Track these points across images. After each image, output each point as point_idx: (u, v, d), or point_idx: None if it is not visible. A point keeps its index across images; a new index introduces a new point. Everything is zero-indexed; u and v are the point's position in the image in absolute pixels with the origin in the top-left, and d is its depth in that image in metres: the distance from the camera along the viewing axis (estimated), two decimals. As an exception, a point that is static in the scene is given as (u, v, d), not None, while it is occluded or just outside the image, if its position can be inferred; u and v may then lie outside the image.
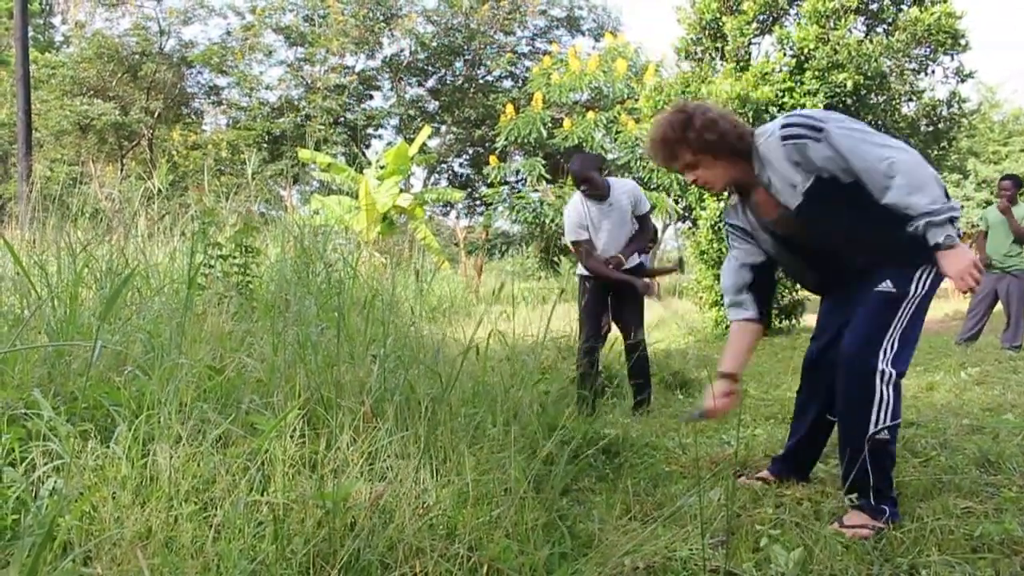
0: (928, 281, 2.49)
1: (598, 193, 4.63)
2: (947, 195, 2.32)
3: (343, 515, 1.86)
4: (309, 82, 27.11)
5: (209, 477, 1.93)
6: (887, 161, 2.30)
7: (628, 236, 4.75)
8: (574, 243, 4.77)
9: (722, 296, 11.04)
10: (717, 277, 10.11)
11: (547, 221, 14.43)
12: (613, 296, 4.81)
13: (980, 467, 3.03)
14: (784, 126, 2.47)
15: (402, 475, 2.06)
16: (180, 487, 1.83)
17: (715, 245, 10.30)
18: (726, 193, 2.80)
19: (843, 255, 2.59)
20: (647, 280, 4.66)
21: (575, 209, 4.75)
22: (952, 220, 2.30)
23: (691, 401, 5.14)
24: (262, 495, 1.90)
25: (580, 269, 4.93)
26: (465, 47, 27.93)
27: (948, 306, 15.16)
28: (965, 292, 2.43)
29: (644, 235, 4.78)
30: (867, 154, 2.32)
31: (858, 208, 2.42)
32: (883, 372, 2.42)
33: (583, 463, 3.22)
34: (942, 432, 3.67)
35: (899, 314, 2.46)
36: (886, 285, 2.46)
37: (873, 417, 2.42)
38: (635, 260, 4.86)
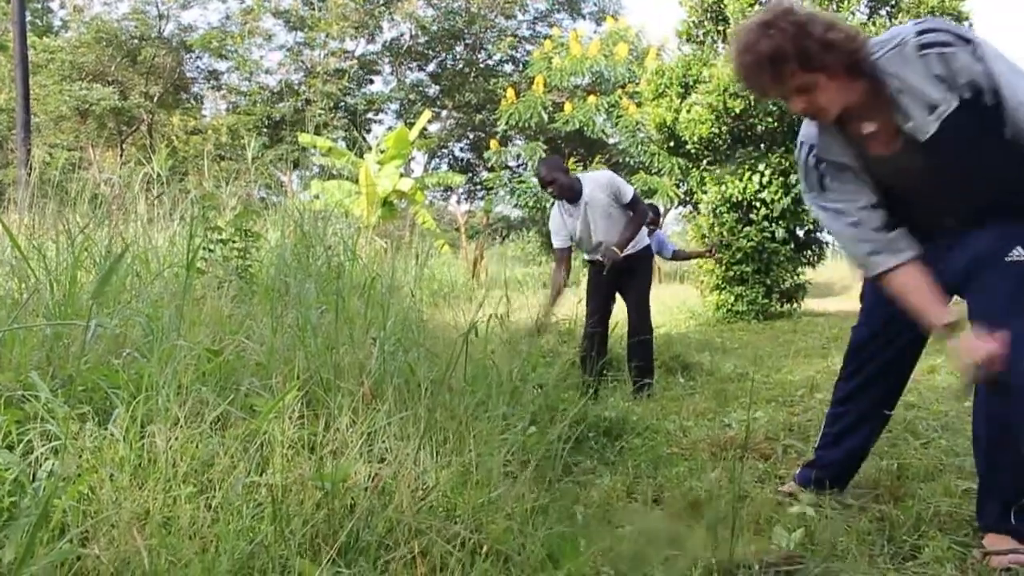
0: None
1: (568, 194, 4.65)
2: None
3: (342, 496, 1.85)
4: (309, 66, 27.03)
5: (207, 459, 1.92)
6: None
7: (615, 225, 4.70)
8: (554, 250, 4.95)
9: (722, 280, 10.67)
10: (719, 261, 10.10)
11: (548, 206, 14.40)
12: (621, 283, 4.82)
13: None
14: (922, 32, 1.99)
15: (401, 456, 2.06)
16: (178, 468, 1.82)
17: (716, 229, 10.27)
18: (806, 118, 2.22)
19: (961, 204, 2.15)
20: (613, 249, 4.59)
21: (554, 216, 4.83)
22: None
23: (692, 385, 5.13)
24: (261, 476, 1.89)
25: (587, 254, 4.94)
26: (466, 31, 27.82)
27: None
28: None
29: (635, 221, 4.72)
30: (1014, 79, 1.94)
31: (997, 148, 2.01)
32: None
33: (582, 444, 3.22)
34: (943, 414, 3.67)
35: None
36: (1018, 253, 2.05)
37: None
38: (642, 243, 4.83)
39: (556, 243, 4.85)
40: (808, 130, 2.24)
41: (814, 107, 2.07)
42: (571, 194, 4.66)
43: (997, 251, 2.08)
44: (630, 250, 4.70)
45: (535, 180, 14.60)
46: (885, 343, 2.40)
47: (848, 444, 2.53)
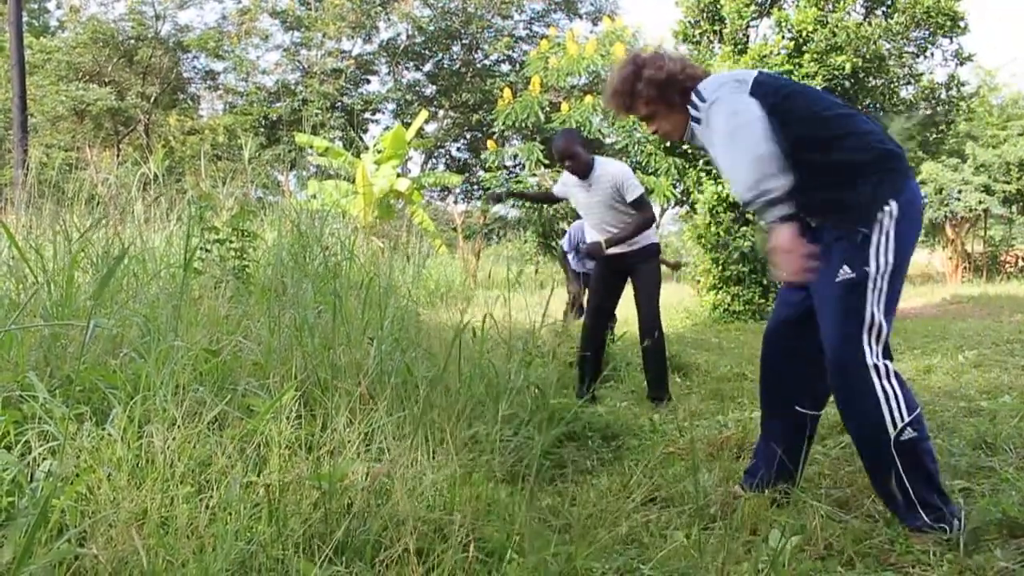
0: (890, 251, 2.20)
1: (581, 170, 4.54)
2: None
3: (339, 496, 1.86)
4: (306, 66, 27.01)
5: (205, 458, 1.92)
6: (738, 147, 2.16)
7: (615, 220, 4.57)
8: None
9: (719, 280, 10.73)
10: (715, 261, 10.12)
11: (545, 205, 14.39)
12: (631, 276, 4.69)
13: (977, 449, 3.03)
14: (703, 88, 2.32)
15: (398, 456, 2.06)
16: (176, 468, 1.82)
17: (712, 229, 10.29)
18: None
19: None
20: (599, 243, 4.54)
21: (565, 177, 4.75)
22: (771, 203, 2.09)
23: (688, 385, 5.14)
24: (258, 476, 1.90)
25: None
26: (462, 31, 27.82)
27: (946, 290, 15.17)
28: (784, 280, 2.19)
29: (635, 223, 4.60)
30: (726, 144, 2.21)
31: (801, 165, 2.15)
32: (875, 367, 2.18)
33: (579, 444, 3.23)
34: (939, 414, 3.68)
35: (868, 299, 2.19)
36: (844, 272, 2.20)
37: (888, 419, 2.15)
38: (645, 241, 4.64)
39: (554, 189, 4.95)
40: None
41: (660, 132, 2.56)
42: (585, 171, 4.55)
43: (829, 271, 2.22)
44: (627, 248, 4.58)
45: (532, 180, 14.64)
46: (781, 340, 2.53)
47: (766, 444, 2.58)
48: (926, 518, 2.16)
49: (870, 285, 2.19)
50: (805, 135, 2.24)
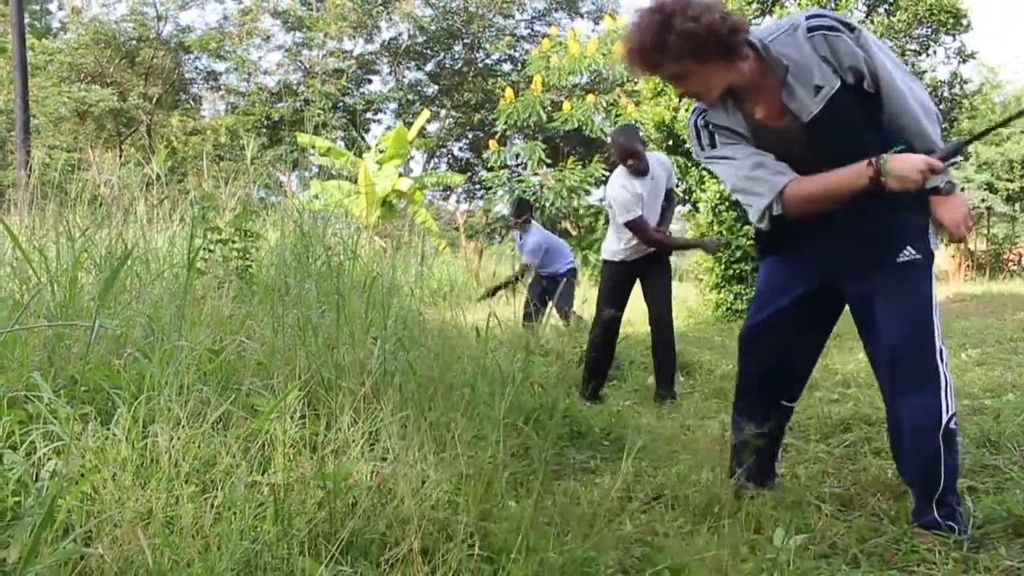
0: (935, 237, 2.20)
1: (644, 168, 4.43)
2: None
3: (344, 495, 1.86)
4: (307, 67, 27.02)
5: (209, 458, 1.92)
6: (913, 83, 2.12)
7: (658, 210, 4.54)
8: (630, 222, 4.42)
9: (722, 279, 10.69)
10: (718, 259, 10.10)
11: (547, 204, 14.39)
12: (642, 280, 4.66)
13: (981, 447, 3.03)
14: (811, 17, 2.11)
15: (402, 455, 2.06)
16: (180, 468, 1.82)
17: (715, 227, 10.27)
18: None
19: None
20: (716, 239, 4.60)
21: (624, 186, 4.45)
22: (955, 163, 2.12)
23: (692, 384, 5.14)
24: (262, 476, 1.90)
25: (606, 253, 4.70)
26: (464, 30, 27.80)
27: (949, 288, 15.14)
28: (958, 242, 2.21)
29: (672, 209, 4.65)
30: (895, 70, 2.10)
31: (874, 131, 2.14)
32: (941, 351, 2.17)
33: (583, 442, 3.23)
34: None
35: (932, 281, 2.18)
36: (908, 253, 2.16)
37: (944, 405, 2.15)
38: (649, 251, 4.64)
39: (634, 214, 4.40)
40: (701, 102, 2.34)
41: (691, 92, 2.20)
42: (644, 167, 4.43)
43: (888, 251, 2.18)
44: (643, 252, 4.56)
45: (534, 179, 14.62)
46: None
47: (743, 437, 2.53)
48: (938, 515, 2.16)
49: (932, 268, 2.19)
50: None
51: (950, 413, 2.16)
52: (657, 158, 4.57)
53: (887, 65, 2.10)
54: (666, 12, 2.06)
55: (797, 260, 2.38)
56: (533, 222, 7.33)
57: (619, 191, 4.45)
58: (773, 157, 2.22)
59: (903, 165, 2.01)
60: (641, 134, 14.08)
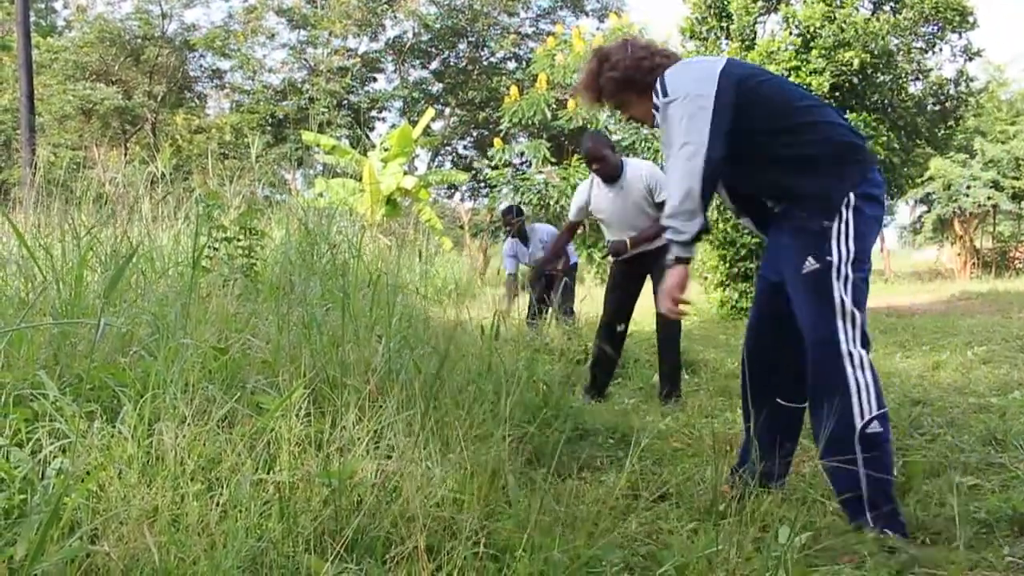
0: (850, 240, 2.25)
1: (611, 173, 4.43)
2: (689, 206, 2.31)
3: (349, 493, 1.86)
4: (312, 65, 27.04)
5: (215, 456, 1.93)
6: (671, 166, 2.36)
7: (644, 223, 4.45)
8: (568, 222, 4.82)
9: (726, 277, 10.69)
10: (723, 258, 10.10)
11: (552, 202, 14.37)
12: (652, 274, 4.51)
13: (987, 445, 3.02)
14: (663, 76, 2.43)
15: (407, 453, 2.06)
16: (186, 466, 1.83)
17: (720, 226, 10.26)
18: None
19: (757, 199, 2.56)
20: (624, 240, 4.51)
21: (581, 190, 4.64)
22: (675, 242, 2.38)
23: (696, 382, 5.14)
24: (268, 474, 1.90)
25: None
26: (468, 28, 27.80)
27: (955, 286, 15.12)
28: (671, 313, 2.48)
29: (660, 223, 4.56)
30: (673, 148, 2.34)
31: (765, 135, 2.37)
32: (850, 355, 2.21)
33: (588, 441, 3.23)
34: (949, 411, 3.66)
35: (836, 286, 2.23)
36: (809, 264, 2.27)
37: (856, 409, 2.17)
38: (658, 244, 4.60)
39: (571, 215, 4.80)
40: None
41: (633, 117, 2.67)
42: (614, 174, 4.45)
43: (794, 262, 2.32)
44: (651, 245, 4.44)
45: (539, 177, 14.62)
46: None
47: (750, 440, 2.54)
48: (870, 518, 2.16)
49: (834, 274, 2.24)
50: (770, 120, 2.35)
51: (868, 417, 2.17)
52: (638, 168, 4.49)
53: (670, 150, 2.35)
54: (599, 60, 2.63)
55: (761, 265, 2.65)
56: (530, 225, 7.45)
57: (579, 190, 4.70)
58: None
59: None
60: (645, 131, 14.02)
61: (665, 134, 2.36)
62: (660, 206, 4.42)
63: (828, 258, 2.25)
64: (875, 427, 2.18)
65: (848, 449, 2.18)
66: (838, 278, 2.24)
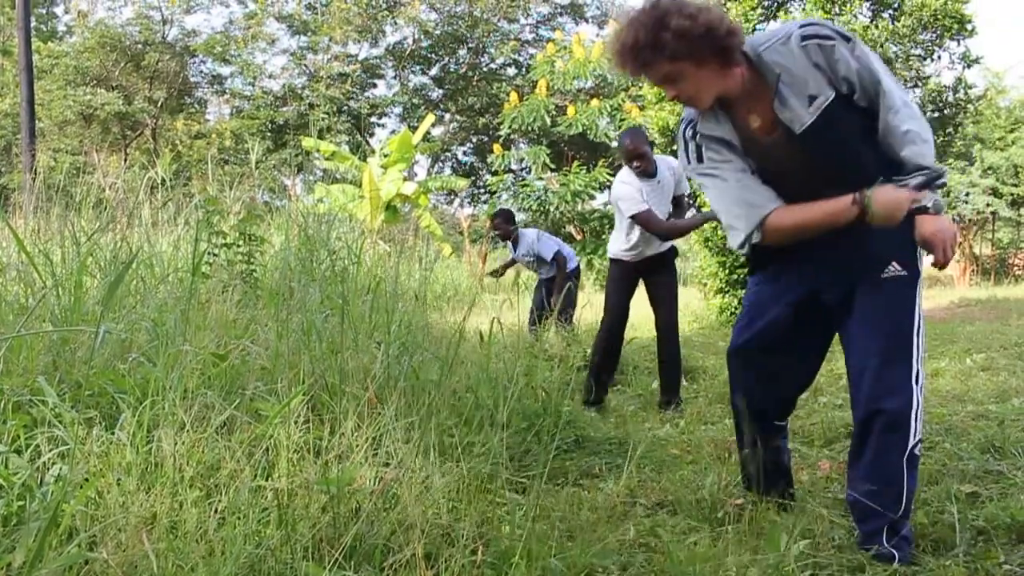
0: (921, 257, 2.12)
1: (650, 170, 4.36)
2: None
3: (347, 500, 1.86)
4: (312, 71, 27.07)
5: (214, 463, 1.93)
6: (906, 98, 2.03)
7: (667, 216, 4.45)
8: (638, 215, 4.30)
9: (726, 284, 10.59)
10: (722, 264, 10.10)
11: (552, 209, 14.40)
12: (647, 283, 4.61)
13: (985, 453, 3.02)
14: (805, 26, 2.04)
15: (406, 460, 2.07)
16: (185, 473, 1.83)
17: (719, 232, 10.27)
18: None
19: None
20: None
21: (628, 183, 4.37)
22: (942, 186, 2.05)
23: (695, 388, 5.14)
24: (266, 480, 1.90)
25: (613, 251, 4.63)
26: (468, 35, 27.83)
27: (953, 293, 15.12)
28: (941, 268, 2.04)
29: (682, 216, 4.56)
30: (891, 82, 2.03)
31: (867, 145, 2.08)
32: (918, 373, 2.08)
33: (586, 447, 3.23)
34: (948, 418, 3.66)
35: (917, 300, 2.10)
36: (894, 268, 2.09)
37: (913, 427, 2.08)
38: (667, 245, 4.61)
39: (642, 207, 4.29)
40: (691, 111, 2.23)
41: (684, 95, 2.07)
42: (652, 170, 4.36)
43: (873, 266, 2.12)
44: (660, 248, 4.51)
45: (539, 183, 14.63)
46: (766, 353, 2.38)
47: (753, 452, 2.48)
48: (886, 542, 2.09)
49: (918, 286, 2.11)
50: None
51: (917, 438, 2.10)
52: (667, 163, 4.47)
53: (885, 78, 2.03)
54: (662, 9, 1.97)
55: (787, 272, 2.31)
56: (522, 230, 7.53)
57: (622, 187, 4.39)
58: (759, 180, 2.15)
59: (887, 202, 1.98)
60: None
61: (866, 71, 2.01)
62: (678, 200, 4.52)
63: (916, 268, 2.11)
64: (919, 451, 2.13)
65: (897, 462, 2.10)
66: (919, 290, 2.11)
